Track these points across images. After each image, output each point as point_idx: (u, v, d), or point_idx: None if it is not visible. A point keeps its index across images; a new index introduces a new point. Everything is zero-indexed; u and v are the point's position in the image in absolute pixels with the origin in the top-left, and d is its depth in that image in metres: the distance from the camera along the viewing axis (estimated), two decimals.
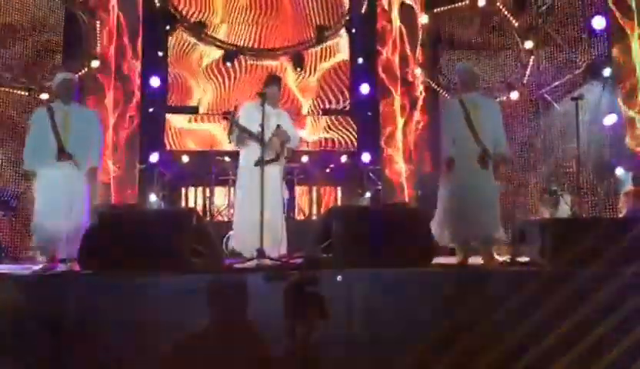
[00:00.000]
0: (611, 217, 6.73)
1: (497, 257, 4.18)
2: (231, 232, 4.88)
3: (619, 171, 7.13)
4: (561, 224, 4.48)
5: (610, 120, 7.20)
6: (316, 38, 9.59)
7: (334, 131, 9.70)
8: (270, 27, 9.61)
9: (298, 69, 9.46)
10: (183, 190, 8.68)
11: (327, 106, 9.65)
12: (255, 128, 4.37)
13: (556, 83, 7.91)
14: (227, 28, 9.55)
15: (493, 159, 4.22)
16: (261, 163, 4.22)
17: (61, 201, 4.09)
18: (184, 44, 9.47)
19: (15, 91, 7.21)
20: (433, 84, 9.04)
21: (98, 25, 8.32)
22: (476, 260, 4.24)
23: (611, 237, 3.40)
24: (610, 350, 2.92)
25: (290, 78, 9.59)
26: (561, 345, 2.89)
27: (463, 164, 4.18)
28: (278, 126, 4.51)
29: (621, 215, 6.44)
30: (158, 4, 9.11)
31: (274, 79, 4.84)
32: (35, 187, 4.33)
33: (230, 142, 4.68)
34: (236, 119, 4.47)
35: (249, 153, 4.53)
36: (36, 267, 4.10)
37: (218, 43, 9.42)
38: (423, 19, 9.05)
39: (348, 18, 9.73)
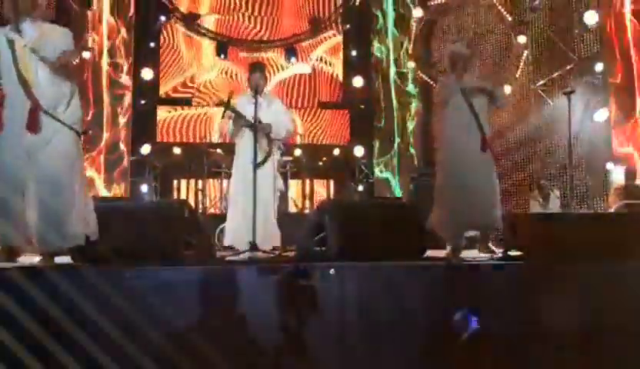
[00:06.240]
0: (601, 212, 6.78)
1: (493, 248, 4.18)
2: (222, 225, 4.87)
3: (609, 166, 7.19)
4: (551, 218, 4.50)
5: (601, 115, 7.25)
6: (310, 30, 9.56)
7: (326, 124, 9.69)
8: (264, 18, 9.57)
9: (292, 61, 9.41)
10: (175, 182, 8.64)
11: (320, 99, 9.64)
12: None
13: (548, 77, 7.95)
14: (220, 19, 9.49)
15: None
16: (255, 161, 4.17)
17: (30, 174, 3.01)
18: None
19: None
20: (426, 78, 9.05)
21: (89, 15, 8.25)
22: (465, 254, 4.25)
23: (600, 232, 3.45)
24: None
25: (282, 70, 9.56)
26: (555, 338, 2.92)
27: (463, 151, 4.12)
28: (260, 122, 4.35)
29: (611, 211, 6.49)
30: None
31: (257, 66, 4.78)
32: None
33: (231, 135, 4.66)
34: (232, 106, 4.42)
35: (244, 146, 4.53)
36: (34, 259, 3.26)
37: (211, 35, 9.36)
38: (417, 12, 9.04)
39: (341, 10, 9.70)
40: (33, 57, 3.07)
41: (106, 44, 8.52)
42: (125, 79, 8.69)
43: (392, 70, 9.44)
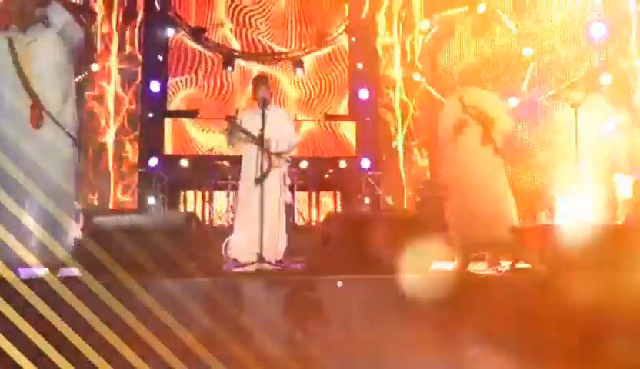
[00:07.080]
0: (609, 224, 6.73)
1: (501, 262, 4.16)
2: (229, 237, 4.87)
3: (618, 177, 7.14)
4: (558, 230, 4.48)
5: (608, 127, 7.22)
6: (317, 43, 9.62)
7: (333, 135, 9.72)
8: (271, 32, 9.64)
9: (299, 72, 9.45)
10: (182, 194, 8.67)
11: (326, 111, 9.67)
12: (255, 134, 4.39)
13: (555, 90, 7.94)
14: (227, 32, 9.57)
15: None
16: (261, 177, 4.20)
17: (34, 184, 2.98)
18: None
19: None
20: (432, 90, 9.07)
21: (98, 29, 8.36)
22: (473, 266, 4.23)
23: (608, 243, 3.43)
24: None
25: (289, 82, 9.62)
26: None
27: (472, 163, 4.11)
28: (261, 136, 4.37)
29: (619, 222, 6.45)
30: (158, 9, 9.14)
31: (262, 79, 4.82)
32: None
33: (228, 145, 4.69)
34: (237, 122, 4.45)
35: (248, 160, 4.55)
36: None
37: (218, 48, 9.44)
38: (423, 25, 9.09)
39: (348, 23, 9.76)
40: (31, 54, 3.17)
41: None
42: (134, 91, 8.73)
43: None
